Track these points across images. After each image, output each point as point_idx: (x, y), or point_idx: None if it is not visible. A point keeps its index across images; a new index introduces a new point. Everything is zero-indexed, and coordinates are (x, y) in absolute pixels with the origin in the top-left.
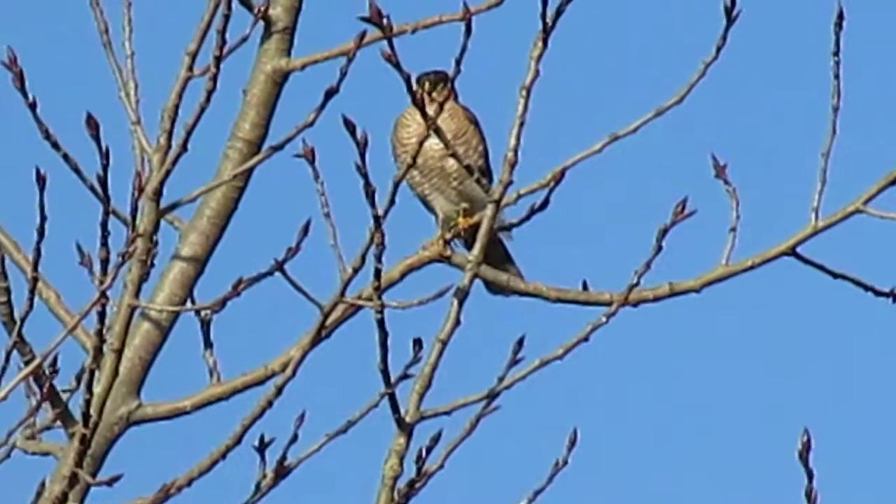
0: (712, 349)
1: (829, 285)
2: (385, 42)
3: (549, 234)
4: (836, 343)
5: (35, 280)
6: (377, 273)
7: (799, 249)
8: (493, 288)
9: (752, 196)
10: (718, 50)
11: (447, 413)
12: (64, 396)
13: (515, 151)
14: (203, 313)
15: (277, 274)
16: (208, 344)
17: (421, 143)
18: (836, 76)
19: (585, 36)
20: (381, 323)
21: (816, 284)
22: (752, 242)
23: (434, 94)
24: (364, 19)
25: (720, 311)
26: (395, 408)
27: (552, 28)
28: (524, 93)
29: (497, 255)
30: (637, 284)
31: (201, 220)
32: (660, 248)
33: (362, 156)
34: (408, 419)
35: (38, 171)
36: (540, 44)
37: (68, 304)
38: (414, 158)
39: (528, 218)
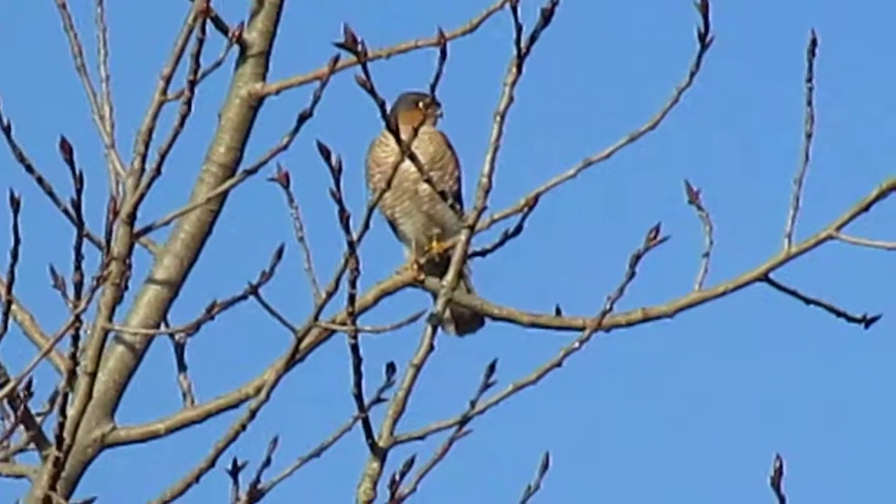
0: (685, 374)
1: (801, 311)
2: (359, 67)
3: (523, 258)
4: (809, 368)
5: (9, 303)
6: (352, 298)
7: (772, 275)
8: (463, 325)
9: (726, 222)
10: (692, 76)
11: (420, 438)
12: (38, 419)
13: (490, 177)
14: (177, 336)
15: (251, 297)
16: (182, 367)
17: (396, 167)
18: (809, 102)
19: (558, 61)
20: (355, 348)
21: (789, 310)
22: (725, 268)
23: (430, 111)
24: (339, 45)
25: (693, 336)
26: (368, 433)
27: (526, 54)
28: (498, 118)
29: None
30: (610, 310)
31: (175, 243)
32: (633, 274)
33: (337, 182)
34: (381, 444)
35: (11, 194)
36: (514, 70)
37: (43, 327)
38: (389, 183)
39: (501, 244)
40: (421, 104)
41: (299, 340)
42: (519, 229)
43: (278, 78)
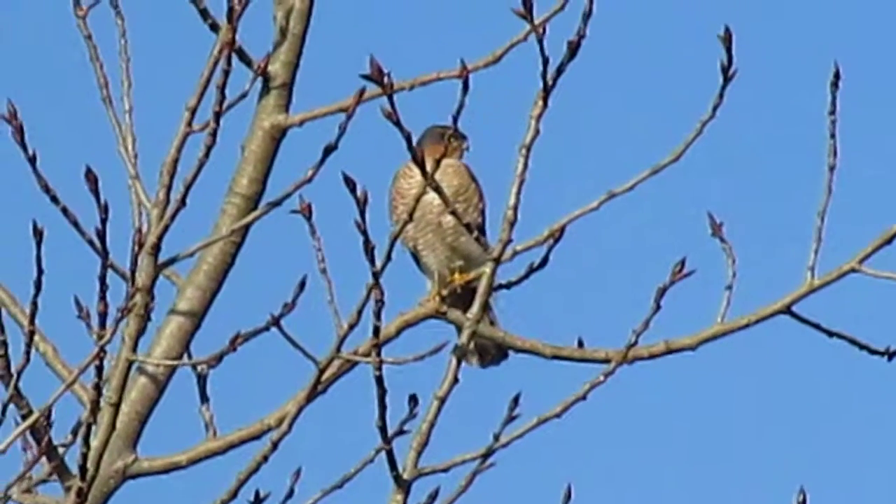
0: (707, 407)
1: (824, 344)
2: (383, 98)
3: (544, 290)
4: (831, 401)
5: (32, 333)
6: (376, 330)
7: (794, 308)
8: (486, 357)
9: (749, 254)
10: (715, 108)
11: (445, 470)
12: (60, 450)
13: (515, 210)
14: (200, 368)
15: (274, 329)
16: (205, 398)
17: (418, 199)
18: (833, 135)
19: (581, 94)
20: (379, 380)
21: (812, 343)
22: (747, 300)
23: (455, 143)
24: (365, 77)
25: (715, 368)
26: (392, 464)
27: (553, 87)
28: (524, 151)
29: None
30: (635, 344)
31: (199, 274)
32: (658, 308)
33: (362, 213)
34: (406, 476)
35: (34, 225)
36: (540, 102)
37: (63, 358)
38: (411, 215)
39: (527, 276)
40: (446, 137)
41: (321, 372)
42: (545, 261)
43: (301, 109)
